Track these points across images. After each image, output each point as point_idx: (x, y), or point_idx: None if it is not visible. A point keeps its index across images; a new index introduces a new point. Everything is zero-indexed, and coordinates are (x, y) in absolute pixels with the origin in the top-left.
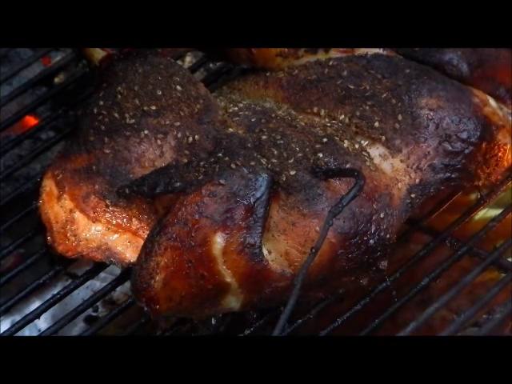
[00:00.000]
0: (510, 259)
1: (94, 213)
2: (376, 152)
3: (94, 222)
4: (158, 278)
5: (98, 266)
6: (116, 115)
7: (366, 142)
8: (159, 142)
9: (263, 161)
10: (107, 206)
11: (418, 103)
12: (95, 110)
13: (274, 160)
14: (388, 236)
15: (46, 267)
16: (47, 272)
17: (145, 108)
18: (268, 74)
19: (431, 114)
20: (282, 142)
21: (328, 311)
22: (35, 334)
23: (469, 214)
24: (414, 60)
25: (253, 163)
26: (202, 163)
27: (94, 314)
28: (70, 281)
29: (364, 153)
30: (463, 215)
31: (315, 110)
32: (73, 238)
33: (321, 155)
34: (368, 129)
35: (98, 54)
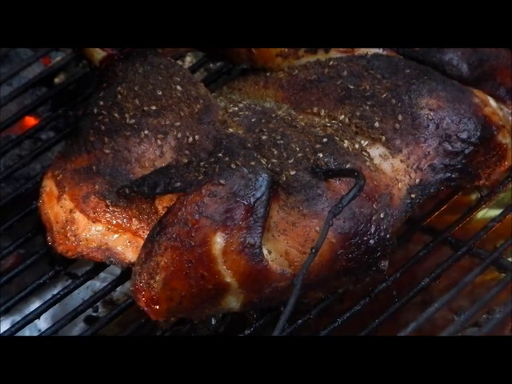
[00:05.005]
0: (510, 259)
1: (94, 213)
2: (376, 152)
3: (94, 222)
4: (157, 278)
5: (98, 266)
6: (116, 115)
7: (366, 142)
8: (159, 142)
9: (263, 161)
10: (107, 206)
11: (418, 103)
12: (95, 110)
13: (274, 160)
14: (388, 236)
15: (46, 267)
16: (47, 272)
17: (145, 108)
18: (268, 74)
19: (431, 114)
20: (282, 142)
21: (328, 311)
22: (35, 333)
23: (469, 214)
24: (414, 60)
25: (253, 163)
26: (202, 163)
27: (94, 314)
28: (70, 281)
29: (364, 153)
30: (463, 215)
31: (315, 110)
32: (73, 238)
33: (321, 155)
34: (368, 129)
35: (98, 54)
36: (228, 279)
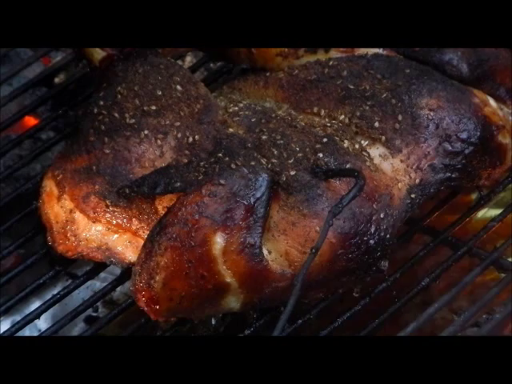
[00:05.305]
0: (510, 259)
1: (94, 213)
2: (376, 152)
3: (94, 222)
4: (157, 278)
5: (98, 266)
6: (116, 115)
7: (366, 142)
8: (159, 142)
9: (263, 161)
10: (107, 206)
11: (418, 103)
12: (95, 110)
13: (274, 160)
14: (388, 236)
15: (46, 267)
16: (47, 272)
17: (145, 108)
18: (268, 74)
19: (431, 114)
20: (282, 142)
21: (328, 311)
22: (35, 333)
23: (469, 214)
24: (414, 60)
25: (253, 163)
26: (202, 163)
27: (94, 314)
28: (70, 281)
29: (364, 153)
30: (463, 215)
31: (315, 110)
32: (73, 238)
33: (321, 155)
34: (368, 129)
35: (98, 54)
36: (228, 279)
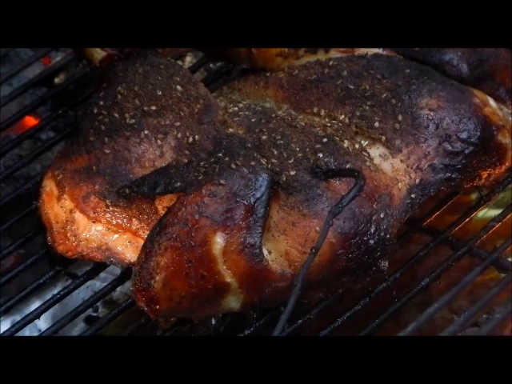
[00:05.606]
0: (510, 259)
1: (94, 213)
2: (376, 152)
3: (94, 222)
4: (157, 278)
5: (98, 266)
6: (116, 115)
7: (366, 142)
8: (159, 142)
9: (263, 161)
10: (107, 206)
11: (418, 103)
12: (95, 110)
13: (274, 160)
14: (388, 236)
15: (46, 267)
16: (47, 272)
17: (145, 108)
18: (268, 74)
19: (431, 114)
20: (282, 142)
21: (328, 311)
22: (35, 334)
23: (469, 214)
24: (414, 60)
25: (253, 163)
26: (202, 163)
27: (94, 314)
28: (70, 281)
29: (364, 153)
30: (463, 215)
31: (315, 110)
32: (73, 238)
33: (321, 155)
34: (368, 129)
35: (98, 54)
36: (228, 279)
